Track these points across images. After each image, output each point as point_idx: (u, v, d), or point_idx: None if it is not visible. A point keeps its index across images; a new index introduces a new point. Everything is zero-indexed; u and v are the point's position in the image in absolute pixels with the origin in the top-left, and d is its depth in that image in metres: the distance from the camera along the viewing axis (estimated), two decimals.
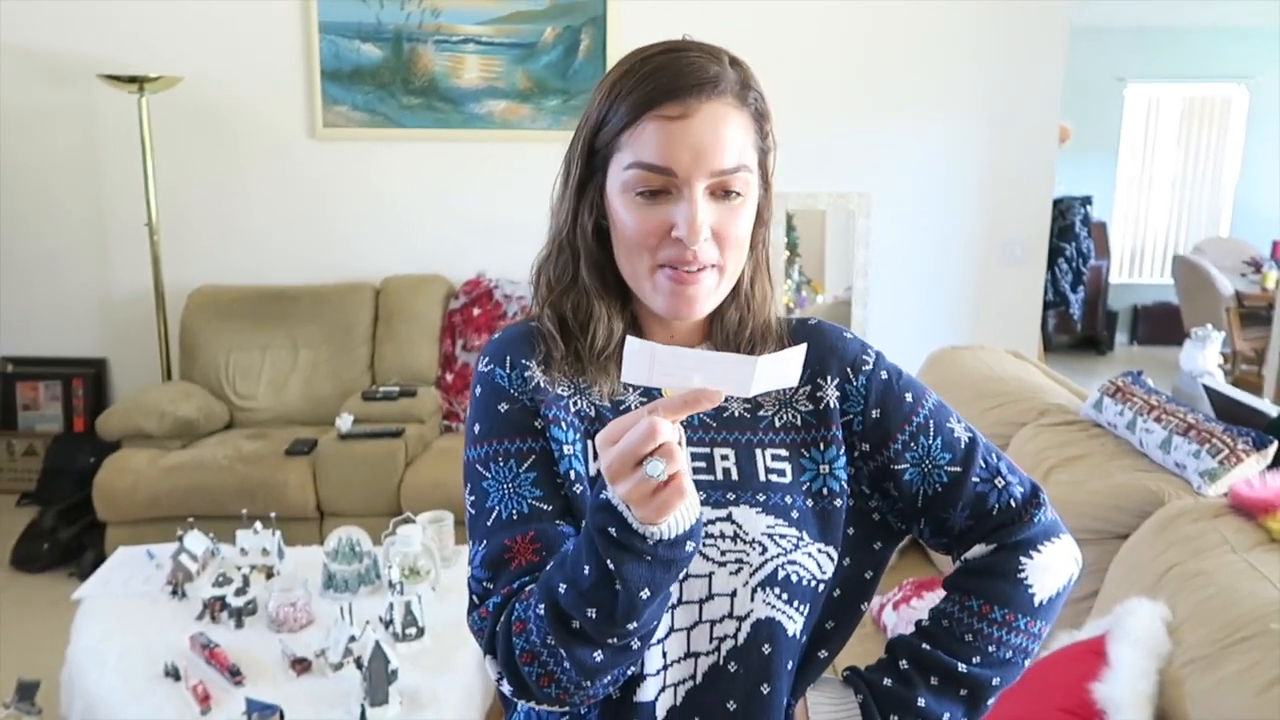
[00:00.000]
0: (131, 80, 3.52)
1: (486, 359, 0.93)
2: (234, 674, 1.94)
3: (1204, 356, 2.19)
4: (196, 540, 2.38)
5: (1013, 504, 0.94)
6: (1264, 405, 1.94)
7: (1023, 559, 0.93)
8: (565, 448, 0.89)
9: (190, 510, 3.01)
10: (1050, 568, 0.94)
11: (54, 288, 4.03)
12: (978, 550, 0.96)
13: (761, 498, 0.91)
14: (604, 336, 0.92)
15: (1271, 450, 1.77)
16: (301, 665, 1.97)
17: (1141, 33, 7.11)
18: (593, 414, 0.92)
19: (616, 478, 0.70)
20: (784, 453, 0.93)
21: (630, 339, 0.71)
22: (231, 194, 3.99)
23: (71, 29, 3.82)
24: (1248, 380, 5.56)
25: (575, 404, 0.91)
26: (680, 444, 0.70)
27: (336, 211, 4.02)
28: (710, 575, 0.88)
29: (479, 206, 4.01)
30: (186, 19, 3.82)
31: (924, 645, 0.94)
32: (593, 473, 0.90)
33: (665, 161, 0.84)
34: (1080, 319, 6.75)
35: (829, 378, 0.95)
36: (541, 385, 0.91)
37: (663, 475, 0.68)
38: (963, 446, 0.96)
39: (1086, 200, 6.60)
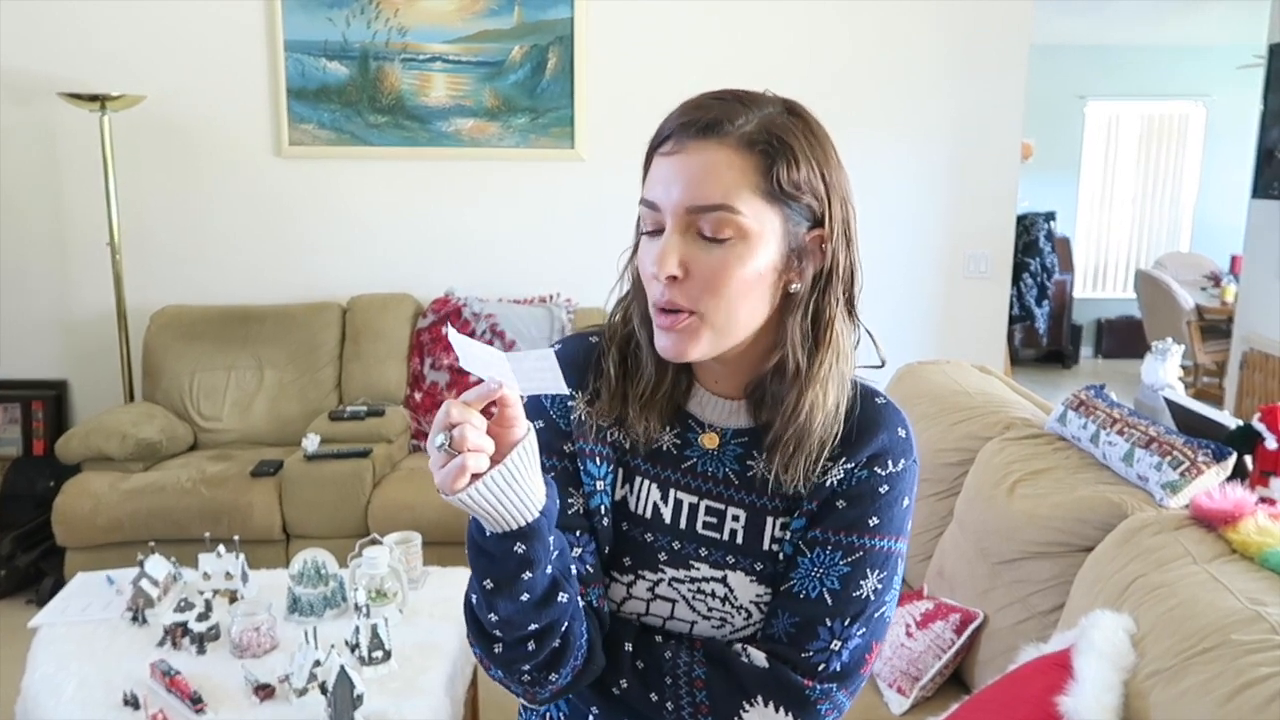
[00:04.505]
0: (93, 99, 3.48)
1: None
2: (195, 702, 1.90)
3: (1165, 369, 2.21)
4: (158, 565, 2.33)
5: (821, 665, 0.89)
6: (1223, 417, 1.96)
7: (764, 699, 0.89)
8: (598, 483, 0.95)
9: (152, 534, 2.96)
10: None
11: (13, 308, 3.96)
12: (758, 655, 0.91)
13: (759, 566, 0.94)
14: (646, 381, 0.94)
15: (1231, 462, 1.79)
16: (265, 691, 1.93)
17: (1101, 51, 7.25)
18: (627, 445, 0.96)
19: (429, 452, 0.77)
20: (790, 520, 0.95)
21: (449, 330, 0.81)
22: (195, 213, 3.94)
23: (32, 47, 3.77)
24: (1209, 392, 5.65)
25: (613, 434, 0.96)
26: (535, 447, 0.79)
27: (302, 230, 3.98)
28: (693, 624, 0.94)
29: (447, 224, 3.99)
30: (149, 37, 3.79)
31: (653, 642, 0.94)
32: (618, 498, 0.96)
33: (652, 196, 0.87)
34: (1045, 333, 6.85)
35: (845, 461, 0.92)
36: (582, 419, 0.96)
37: (443, 447, 0.75)
38: (852, 596, 0.90)
39: (1050, 216, 6.70)
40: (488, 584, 0.81)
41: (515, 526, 0.79)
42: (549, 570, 0.82)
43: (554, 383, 0.78)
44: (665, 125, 0.88)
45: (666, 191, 0.85)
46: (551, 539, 0.82)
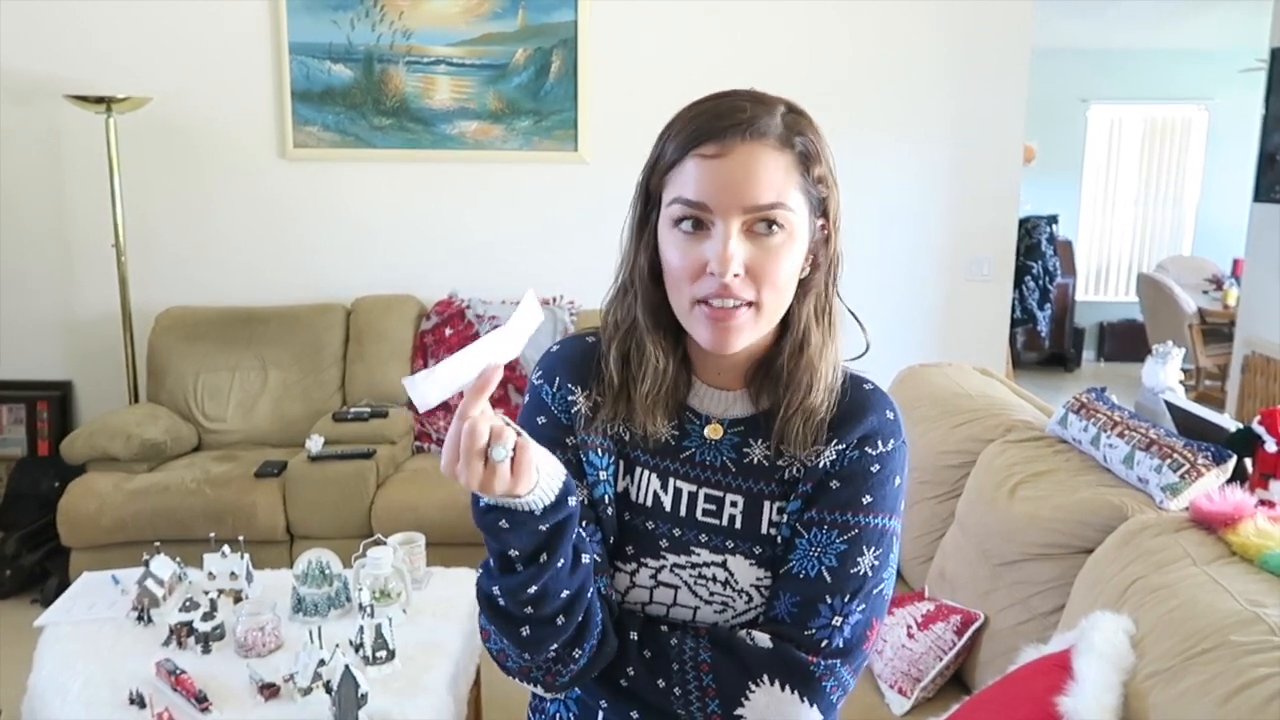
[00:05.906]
0: (99, 100, 3.49)
1: (539, 373, 1.01)
2: (201, 701, 1.91)
3: (1165, 373, 2.22)
4: (163, 564, 2.34)
5: (824, 642, 0.91)
6: (1223, 420, 1.97)
7: (770, 678, 0.90)
8: (601, 473, 0.97)
9: (157, 534, 2.97)
10: (774, 710, 0.90)
11: (19, 309, 3.97)
12: (763, 637, 0.92)
13: (758, 550, 0.96)
14: (652, 378, 0.96)
15: (1231, 464, 1.80)
16: (270, 690, 1.94)
17: (1104, 55, 7.25)
18: (627, 437, 0.98)
19: (484, 486, 0.77)
20: (786, 504, 0.97)
21: (405, 380, 0.76)
22: (200, 215, 3.96)
23: (37, 49, 3.79)
24: (1212, 396, 5.65)
25: (613, 428, 0.98)
26: (506, 422, 0.78)
27: (307, 232, 4.00)
28: (696, 609, 0.96)
29: (451, 226, 4.01)
30: (155, 39, 3.80)
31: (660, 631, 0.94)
32: (619, 489, 0.98)
33: (701, 197, 0.88)
34: (1047, 336, 6.85)
35: (836, 443, 0.95)
36: (584, 413, 0.98)
37: (508, 454, 0.76)
38: (850, 572, 0.92)
39: (1052, 219, 6.70)
40: (543, 558, 0.81)
41: (560, 487, 0.82)
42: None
43: (534, 313, 0.80)
44: (700, 127, 0.89)
45: (719, 192, 0.87)
46: None
